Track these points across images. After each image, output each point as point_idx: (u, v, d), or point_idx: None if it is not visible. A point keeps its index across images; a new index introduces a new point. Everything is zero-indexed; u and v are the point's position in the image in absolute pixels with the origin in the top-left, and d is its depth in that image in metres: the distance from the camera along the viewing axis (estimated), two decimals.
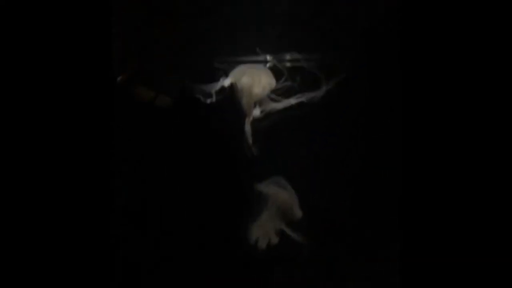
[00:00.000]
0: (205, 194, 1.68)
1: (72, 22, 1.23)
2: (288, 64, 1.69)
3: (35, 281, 1.18)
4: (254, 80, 1.67)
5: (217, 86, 1.65)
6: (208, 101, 1.64)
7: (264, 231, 1.67)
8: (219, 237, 1.67)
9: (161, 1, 1.70)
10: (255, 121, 1.67)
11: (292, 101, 1.67)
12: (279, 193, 1.69)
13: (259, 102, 1.68)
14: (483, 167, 1.23)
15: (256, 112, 1.67)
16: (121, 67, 1.63)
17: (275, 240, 1.66)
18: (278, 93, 1.68)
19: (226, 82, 1.67)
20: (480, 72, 1.24)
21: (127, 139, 1.62)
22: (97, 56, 1.24)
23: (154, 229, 1.68)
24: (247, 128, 1.65)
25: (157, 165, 1.70)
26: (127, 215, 1.64)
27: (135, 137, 1.67)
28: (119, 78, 1.63)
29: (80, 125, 1.22)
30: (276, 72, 1.68)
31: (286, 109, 1.67)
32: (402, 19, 1.30)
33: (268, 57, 1.70)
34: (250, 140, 1.64)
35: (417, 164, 1.27)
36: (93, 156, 1.23)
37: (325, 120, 1.68)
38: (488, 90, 1.23)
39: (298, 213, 1.68)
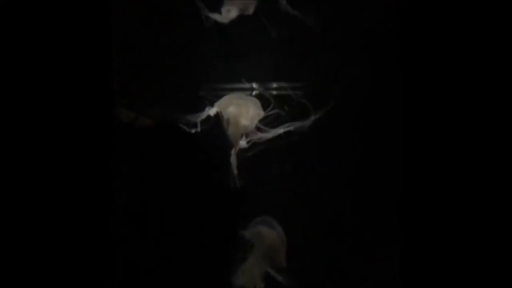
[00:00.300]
0: (188, 227, 1.65)
1: (72, 22, 1.23)
2: (274, 92, 1.66)
3: (36, 281, 1.18)
4: (241, 110, 1.62)
5: (202, 115, 1.60)
6: (193, 130, 1.59)
7: (249, 277, 1.60)
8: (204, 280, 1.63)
9: (161, 1, 1.70)
10: (241, 151, 1.62)
11: (280, 130, 1.62)
12: (266, 234, 1.63)
13: (246, 133, 1.63)
14: (482, 167, 1.23)
15: (243, 143, 1.62)
16: (121, 67, 1.62)
17: (261, 285, 1.60)
18: (266, 122, 1.64)
19: (212, 111, 1.61)
20: (480, 72, 1.24)
21: (127, 139, 1.62)
22: (97, 56, 1.24)
23: (154, 229, 1.68)
24: (233, 159, 1.60)
25: (155, 172, 1.67)
26: (127, 215, 1.63)
27: (135, 138, 1.66)
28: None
29: (80, 125, 1.22)
30: (263, 100, 1.65)
31: (274, 139, 1.63)
32: (402, 19, 1.30)
33: (254, 85, 1.66)
34: (235, 171, 1.59)
35: (417, 164, 1.27)
36: (93, 156, 1.23)
37: (324, 121, 1.67)
38: (488, 90, 1.23)
39: (283, 262, 1.61)
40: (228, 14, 1.64)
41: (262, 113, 1.63)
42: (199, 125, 1.59)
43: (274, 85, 1.67)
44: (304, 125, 1.62)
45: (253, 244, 1.63)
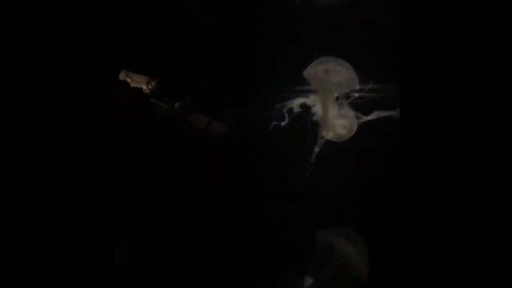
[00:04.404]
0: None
1: (72, 21, 1.23)
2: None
3: (35, 281, 1.18)
4: (331, 75, 1.55)
5: (287, 106, 1.56)
6: (282, 123, 1.55)
7: None
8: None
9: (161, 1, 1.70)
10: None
11: (369, 117, 1.58)
12: (346, 247, 1.50)
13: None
14: (483, 168, 1.23)
15: (324, 133, 1.55)
16: (121, 67, 1.62)
17: None
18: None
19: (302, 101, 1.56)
20: (480, 72, 1.24)
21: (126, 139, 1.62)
22: (96, 56, 1.24)
23: (155, 229, 1.69)
24: (319, 135, 1.54)
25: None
26: (127, 215, 1.64)
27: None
28: (176, 104, 1.58)
29: (80, 124, 1.23)
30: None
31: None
32: (402, 18, 1.31)
33: None
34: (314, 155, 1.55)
35: (418, 164, 1.27)
36: (93, 155, 1.23)
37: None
38: (488, 89, 1.23)
39: (365, 270, 1.49)
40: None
41: (355, 77, 1.56)
42: (286, 117, 1.55)
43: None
44: (393, 115, 1.56)
45: (329, 255, 1.52)
